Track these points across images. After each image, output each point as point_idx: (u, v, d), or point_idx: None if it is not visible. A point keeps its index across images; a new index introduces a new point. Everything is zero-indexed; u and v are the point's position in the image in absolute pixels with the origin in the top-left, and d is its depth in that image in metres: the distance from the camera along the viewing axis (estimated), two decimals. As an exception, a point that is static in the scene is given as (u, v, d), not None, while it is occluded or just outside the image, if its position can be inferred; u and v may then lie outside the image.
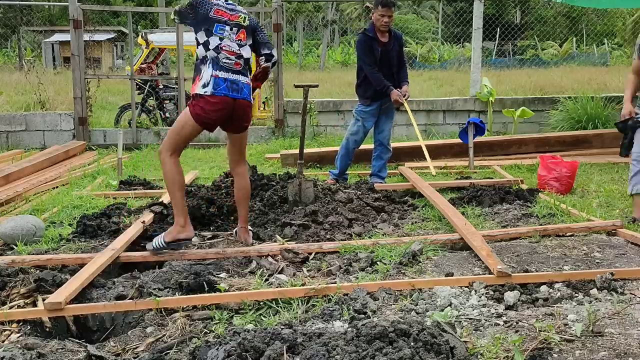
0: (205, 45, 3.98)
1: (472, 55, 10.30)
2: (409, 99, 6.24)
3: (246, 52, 4.12)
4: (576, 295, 3.16)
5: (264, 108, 11.98)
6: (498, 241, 4.19)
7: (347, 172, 6.66)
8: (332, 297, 3.21)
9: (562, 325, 2.75)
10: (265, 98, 12.00)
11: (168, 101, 11.01)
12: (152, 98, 11.05)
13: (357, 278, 3.50)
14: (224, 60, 3.99)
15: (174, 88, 10.77)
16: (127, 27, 10.69)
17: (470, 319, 2.89)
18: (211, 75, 3.94)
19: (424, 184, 5.77)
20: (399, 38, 6.31)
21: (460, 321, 2.86)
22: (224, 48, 4.00)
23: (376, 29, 6.09)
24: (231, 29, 4.05)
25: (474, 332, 2.74)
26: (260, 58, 4.26)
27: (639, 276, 3.40)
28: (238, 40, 4.08)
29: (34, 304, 3.28)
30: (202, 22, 3.98)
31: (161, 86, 11.11)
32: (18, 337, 2.94)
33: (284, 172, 6.21)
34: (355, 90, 6.44)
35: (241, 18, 4.12)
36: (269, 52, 4.24)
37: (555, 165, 5.81)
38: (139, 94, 10.69)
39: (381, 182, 6.20)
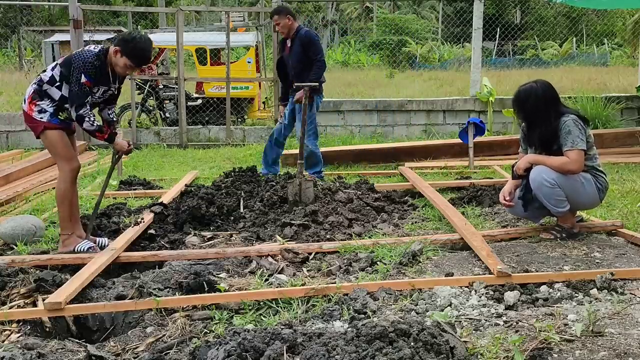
0: None
1: (472, 55, 10.30)
2: None
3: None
4: (576, 295, 3.16)
5: (264, 108, 11.99)
6: (498, 241, 4.18)
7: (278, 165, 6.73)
8: (332, 297, 3.21)
9: (562, 325, 2.75)
10: (266, 98, 12.01)
11: (168, 101, 11.02)
12: (152, 98, 11.05)
13: (357, 278, 3.50)
14: None
15: (174, 88, 10.77)
16: (127, 27, 10.68)
17: (470, 319, 2.89)
18: None
19: (424, 184, 5.77)
20: (302, 38, 6.18)
21: (460, 321, 2.86)
22: None
23: None
24: None
25: (474, 332, 2.74)
26: None
27: (639, 276, 3.40)
28: None
29: (34, 304, 3.28)
30: None
31: (161, 86, 11.12)
32: (18, 337, 2.94)
33: (284, 172, 6.21)
34: None
35: None
36: None
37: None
38: (139, 94, 10.69)
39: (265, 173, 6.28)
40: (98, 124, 4.02)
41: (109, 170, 4.44)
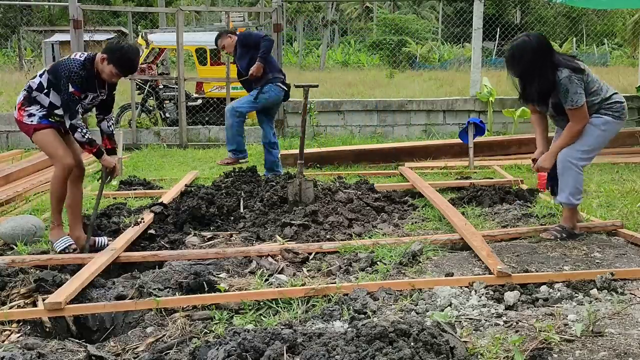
0: None
1: (472, 55, 10.30)
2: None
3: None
4: (576, 295, 3.16)
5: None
6: (498, 241, 4.18)
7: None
8: (332, 297, 3.21)
9: (562, 325, 2.75)
10: (266, 98, 11.97)
11: (168, 101, 11.01)
12: (152, 98, 11.05)
13: (357, 278, 3.50)
14: None
15: (174, 88, 10.77)
16: (127, 27, 10.68)
17: (470, 319, 2.89)
18: None
19: (424, 184, 5.77)
20: (239, 42, 6.50)
21: (460, 321, 2.86)
22: None
23: None
24: None
25: (474, 332, 2.75)
26: None
27: (639, 276, 3.40)
28: None
29: (34, 304, 3.28)
30: None
31: (161, 86, 11.11)
32: (18, 337, 2.94)
33: (284, 172, 6.21)
34: None
35: None
36: None
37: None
38: (139, 94, 10.69)
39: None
40: (89, 136, 4.04)
41: (99, 188, 4.43)
